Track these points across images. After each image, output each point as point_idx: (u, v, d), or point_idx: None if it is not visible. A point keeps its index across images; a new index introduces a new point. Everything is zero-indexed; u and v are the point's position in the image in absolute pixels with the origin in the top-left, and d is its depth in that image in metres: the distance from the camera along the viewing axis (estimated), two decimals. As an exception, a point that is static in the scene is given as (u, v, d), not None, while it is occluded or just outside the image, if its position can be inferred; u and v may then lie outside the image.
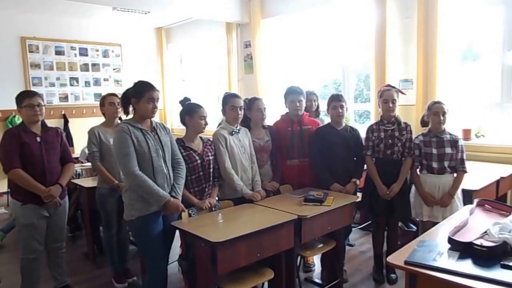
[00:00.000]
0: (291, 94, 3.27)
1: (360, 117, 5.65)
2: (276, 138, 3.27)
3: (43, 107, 2.77)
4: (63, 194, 2.87)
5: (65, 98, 6.95)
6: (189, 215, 2.56)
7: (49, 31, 6.74)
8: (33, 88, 6.52)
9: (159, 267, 2.46)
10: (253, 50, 6.19)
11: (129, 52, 7.62)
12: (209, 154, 2.83)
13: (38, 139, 2.74)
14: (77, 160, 5.00)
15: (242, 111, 3.01)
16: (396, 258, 1.70)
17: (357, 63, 5.40)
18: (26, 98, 2.69)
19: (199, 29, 7.24)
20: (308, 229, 2.60)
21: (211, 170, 2.82)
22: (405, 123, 3.12)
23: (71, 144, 6.64)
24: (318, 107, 4.16)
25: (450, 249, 1.71)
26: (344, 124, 3.30)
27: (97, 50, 7.25)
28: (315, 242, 2.94)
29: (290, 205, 2.76)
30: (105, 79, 7.36)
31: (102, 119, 3.37)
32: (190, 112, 2.77)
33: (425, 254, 1.66)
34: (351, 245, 3.97)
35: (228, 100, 3.01)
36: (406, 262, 1.63)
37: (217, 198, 2.87)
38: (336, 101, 3.22)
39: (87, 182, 3.68)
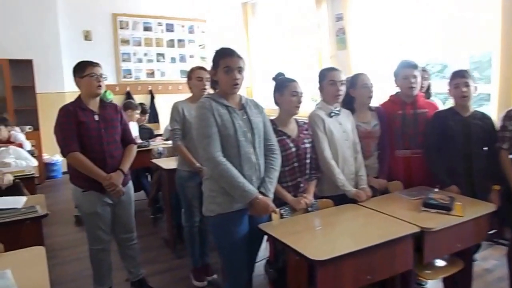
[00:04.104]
0: (404, 68, 2.54)
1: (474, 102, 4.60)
2: (385, 123, 2.58)
3: (105, 80, 2.39)
4: (126, 180, 2.47)
5: (151, 74, 6.86)
6: (281, 215, 2.04)
7: (139, 7, 6.65)
8: (122, 64, 6.54)
9: (241, 276, 1.97)
10: (345, 23, 5.39)
11: (214, 28, 7.29)
12: (306, 141, 2.24)
13: (96, 117, 2.35)
14: (161, 136, 4.81)
15: (344, 88, 2.37)
16: None
17: (472, 41, 4.33)
18: (88, 66, 2.32)
19: (287, 2, 6.59)
20: (433, 245, 1.92)
21: (308, 160, 2.24)
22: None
23: (156, 121, 6.57)
24: (429, 87, 3.35)
25: None
26: (472, 110, 2.49)
27: (182, 26, 7.04)
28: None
29: (404, 210, 2.10)
30: (190, 56, 7.15)
31: (187, 96, 2.97)
32: (280, 88, 2.20)
33: None
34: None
35: (326, 74, 2.38)
36: None
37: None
38: (459, 77, 2.44)
39: (168, 163, 3.33)
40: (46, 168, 5.96)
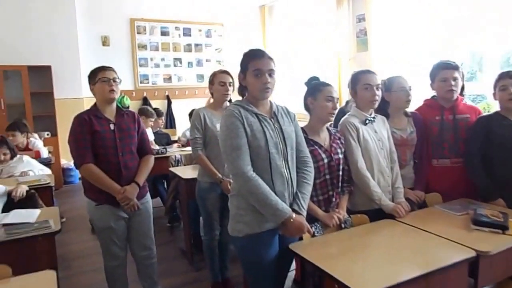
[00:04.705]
0: (443, 70, 2.30)
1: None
2: (422, 129, 2.34)
3: (119, 84, 2.22)
4: (142, 193, 2.29)
5: (168, 79, 6.72)
6: (312, 234, 1.82)
7: (156, 12, 6.54)
8: (139, 69, 6.42)
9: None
10: (367, 24, 5.14)
11: (231, 32, 7.13)
12: (338, 151, 2.02)
13: (112, 126, 2.19)
14: (178, 142, 4.65)
15: (380, 93, 2.14)
16: None
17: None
18: (99, 71, 2.18)
19: (305, 4, 6.37)
20: (488, 270, 1.68)
21: (340, 172, 2.02)
22: None
23: (173, 126, 6.43)
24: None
25: None
26: (521, 113, 2.24)
27: (200, 30, 6.90)
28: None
29: (452, 228, 1.87)
30: (207, 60, 6.99)
31: (204, 101, 2.78)
32: (313, 92, 1.99)
33: None
34: None
35: (360, 77, 2.15)
36: None
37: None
38: (507, 78, 2.20)
39: (186, 172, 3.15)
40: (64, 173, 5.87)
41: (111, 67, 2.24)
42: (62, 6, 5.83)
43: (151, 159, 2.37)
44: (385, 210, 2.06)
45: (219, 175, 2.51)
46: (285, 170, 1.71)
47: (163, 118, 5.04)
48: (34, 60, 5.59)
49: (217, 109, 2.65)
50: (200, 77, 6.80)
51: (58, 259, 3.11)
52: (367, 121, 2.13)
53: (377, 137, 2.14)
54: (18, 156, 3.61)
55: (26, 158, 3.65)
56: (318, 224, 1.92)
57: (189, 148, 3.63)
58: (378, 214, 2.07)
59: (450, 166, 2.31)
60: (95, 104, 2.24)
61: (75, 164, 2.17)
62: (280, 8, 7.07)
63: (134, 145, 2.28)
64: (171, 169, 3.41)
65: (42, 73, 5.66)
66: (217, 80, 2.61)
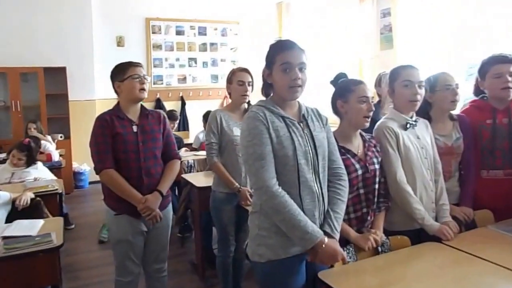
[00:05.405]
0: (496, 64, 1.94)
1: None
2: (470, 135, 1.99)
3: (147, 82, 2.01)
4: (165, 203, 2.06)
5: (183, 79, 6.49)
6: (343, 261, 1.52)
7: (171, 11, 6.32)
8: (154, 70, 6.22)
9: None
10: (393, 19, 4.77)
11: (247, 30, 6.85)
12: (374, 160, 1.70)
13: (135, 128, 1.99)
14: (191, 147, 4.40)
15: (423, 92, 1.81)
16: None
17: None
18: (130, 67, 1.97)
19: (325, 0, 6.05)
20: None
21: (376, 185, 1.71)
22: None
23: (187, 128, 6.20)
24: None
25: None
26: None
27: (215, 29, 6.65)
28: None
29: (510, 254, 1.52)
30: (222, 60, 6.73)
31: (218, 102, 2.52)
32: (343, 94, 1.67)
33: None
34: None
35: (400, 73, 1.82)
36: None
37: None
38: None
39: (199, 180, 2.87)
40: (75, 177, 5.71)
41: (140, 63, 2.03)
42: (78, 7, 5.69)
43: (177, 165, 2.13)
44: (428, 231, 1.72)
45: (237, 184, 2.25)
46: (315, 185, 1.42)
47: (176, 122, 4.78)
48: (50, 62, 5.45)
49: (234, 111, 2.38)
50: (215, 77, 6.56)
51: (64, 270, 2.93)
52: (408, 125, 1.79)
53: (419, 144, 1.80)
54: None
55: (40, 165, 3.52)
56: (351, 248, 1.61)
57: (202, 152, 3.38)
58: (419, 234, 1.74)
59: (503, 178, 1.95)
60: (117, 103, 2.04)
61: (95, 169, 1.98)
62: (298, 5, 6.75)
63: (159, 149, 2.06)
64: (184, 175, 3.15)
65: (57, 75, 5.53)
66: (236, 79, 2.33)
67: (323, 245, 1.34)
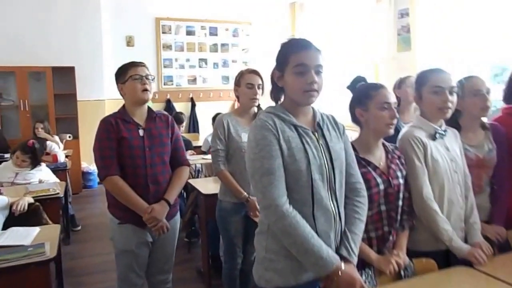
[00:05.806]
0: None
1: None
2: (504, 145, 1.79)
3: (153, 82, 1.88)
4: (172, 212, 1.93)
5: (193, 80, 6.37)
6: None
7: (182, 11, 6.22)
8: (164, 70, 6.11)
9: None
10: (411, 20, 4.56)
11: (259, 31, 6.70)
12: (398, 174, 1.52)
13: (141, 132, 1.87)
14: (199, 150, 4.26)
15: (455, 98, 1.62)
16: None
17: None
18: (130, 67, 1.85)
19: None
20: None
21: (400, 202, 1.52)
22: None
23: (196, 130, 6.07)
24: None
25: None
26: None
27: (226, 29, 6.52)
28: None
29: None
30: (233, 61, 6.60)
31: (228, 104, 2.37)
32: (362, 101, 1.50)
33: None
34: None
35: (428, 77, 1.63)
36: None
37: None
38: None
39: (207, 186, 2.73)
40: (83, 177, 5.64)
41: (142, 63, 1.91)
42: (88, 6, 5.61)
43: (185, 172, 2.01)
44: (457, 254, 1.53)
45: (245, 193, 2.10)
46: (331, 203, 1.25)
47: (182, 125, 4.63)
48: (58, 61, 5.38)
49: (243, 115, 2.23)
50: (226, 78, 6.41)
51: (67, 274, 2.81)
52: (437, 135, 1.61)
53: (449, 156, 1.61)
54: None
55: (44, 168, 3.41)
56: (370, 271, 1.43)
57: (210, 156, 3.23)
58: (447, 256, 1.56)
59: (540, 193, 1.76)
60: (123, 106, 1.93)
61: (99, 175, 1.89)
62: (312, 5, 6.57)
63: (167, 154, 1.94)
64: (190, 180, 3.00)
65: (65, 74, 5.46)
66: (244, 82, 2.18)
67: (340, 272, 1.17)
